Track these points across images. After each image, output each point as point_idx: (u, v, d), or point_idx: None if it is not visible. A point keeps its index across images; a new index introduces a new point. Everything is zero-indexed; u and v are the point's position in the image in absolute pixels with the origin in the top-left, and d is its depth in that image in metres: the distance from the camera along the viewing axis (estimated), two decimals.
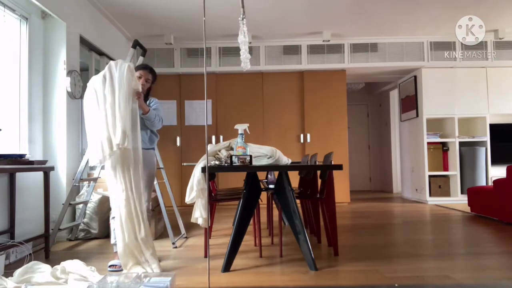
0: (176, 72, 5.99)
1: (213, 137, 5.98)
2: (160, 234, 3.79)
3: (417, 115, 6.15)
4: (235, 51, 5.72)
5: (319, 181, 3.22)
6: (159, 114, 2.80)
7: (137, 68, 2.81)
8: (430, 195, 5.96)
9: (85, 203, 3.68)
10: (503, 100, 5.91)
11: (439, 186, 6.00)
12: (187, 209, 4.38)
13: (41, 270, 2.31)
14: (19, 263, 2.81)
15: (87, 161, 3.47)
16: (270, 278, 2.39)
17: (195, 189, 2.84)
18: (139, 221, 2.48)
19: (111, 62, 2.60)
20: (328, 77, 6.05)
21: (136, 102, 2.57)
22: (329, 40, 5.73)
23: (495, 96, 5.91)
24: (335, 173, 3.17)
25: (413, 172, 6.38)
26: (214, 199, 3.23)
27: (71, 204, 3.41)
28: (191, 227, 4.05)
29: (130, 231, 2.45)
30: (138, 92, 2.58)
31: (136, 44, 3.53)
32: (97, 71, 4.50)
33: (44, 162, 3.09)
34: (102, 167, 3.55)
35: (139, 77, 2.75)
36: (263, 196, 3.21)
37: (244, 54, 3.19)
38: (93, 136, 2.45)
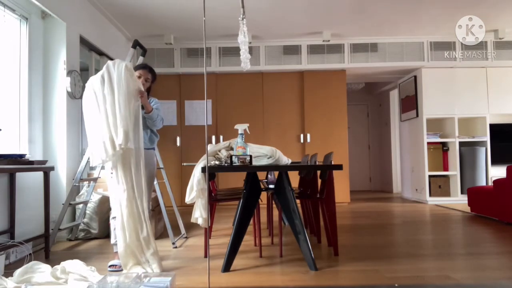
0: (176, 72, 5.99)
1: (213, 137, 5.98)
2: (160, 234, 3.79)
3: (417, 115, 6.15)
4: (235, 51, 5.72)
5: (319, 181, 3.22)
6: (160, 113, 2.80)
7: (137, 68, 2.81)
8: (430, 195, 5.96)
9: (85, 203, 3.68)
10: (503, 100, 5.91)
11: (439, 186, 6.00)
12: (187, 209, 4.38)
13: (41, 270, 2.31)
14: (19, 263, 2.81)
15: (87, 161, 3.47)
16: (270, 278, 2.39)
17: (195, 189, 2.84)
18: (141, 221, 2.48)
19: (109, 62, 2.59)
20: (328, 77, 6.05)
21: (138, 101, 2.56)
22: (329, 40, 5.73)
23: (495, 96, 5.91)
24: (335, 173, 3.17)
25: (413, 172, 6.38)
26: (214, 199, 3.23)
27: (71, 204, 3.41)
28: (191, 227, 4.05)
29: (131, 231, 2.45)
30: (141, 91, 2.58)
31: (136, 44, 3.53)
32: (97, 71, 4.44)
33: (44, 162, 3.09)
34: (102, 167, 3.55)
35: (139, 77, 2.75)
36: (263, 196, 3.21)
37: (244, 54, 3.19)
38: (94, 136, 2.44)
